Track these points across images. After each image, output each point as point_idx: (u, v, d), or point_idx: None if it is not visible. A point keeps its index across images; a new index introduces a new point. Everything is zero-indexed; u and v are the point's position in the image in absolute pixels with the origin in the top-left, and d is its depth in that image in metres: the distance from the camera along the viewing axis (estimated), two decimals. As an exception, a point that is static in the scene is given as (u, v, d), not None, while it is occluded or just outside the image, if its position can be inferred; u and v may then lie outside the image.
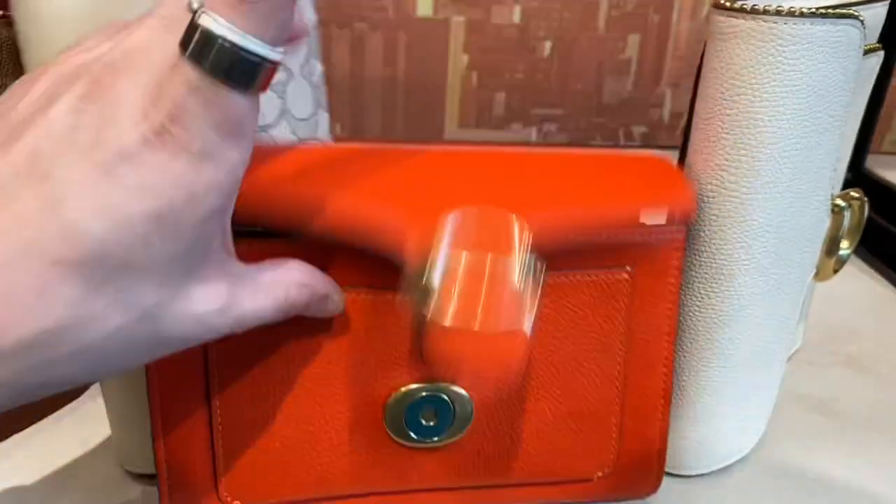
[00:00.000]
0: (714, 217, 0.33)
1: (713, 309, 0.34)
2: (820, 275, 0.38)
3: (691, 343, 0.35)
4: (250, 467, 0.31)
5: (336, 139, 0.80)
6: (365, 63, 0.80)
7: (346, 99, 0.81)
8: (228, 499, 0.31)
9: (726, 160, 0.32)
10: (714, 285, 0.33)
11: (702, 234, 0.33)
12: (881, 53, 0.38)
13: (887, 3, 0.38)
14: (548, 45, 0.81)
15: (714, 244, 0.33)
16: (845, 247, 0.38)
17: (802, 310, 0.42)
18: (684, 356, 0.35)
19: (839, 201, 0.36)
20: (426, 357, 0.29)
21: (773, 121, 0.31)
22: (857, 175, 0.67)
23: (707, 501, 0.36)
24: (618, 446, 0.34)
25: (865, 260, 0.61)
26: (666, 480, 0.37)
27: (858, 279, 0.59)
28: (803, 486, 0.37)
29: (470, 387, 0.31)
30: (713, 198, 0.32)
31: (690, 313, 0.34)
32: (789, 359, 0.44)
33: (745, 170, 0.31)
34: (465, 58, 0.80)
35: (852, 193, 0.38)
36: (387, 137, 0.83)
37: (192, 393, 0.30)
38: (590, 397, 0.33)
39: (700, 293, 0.34)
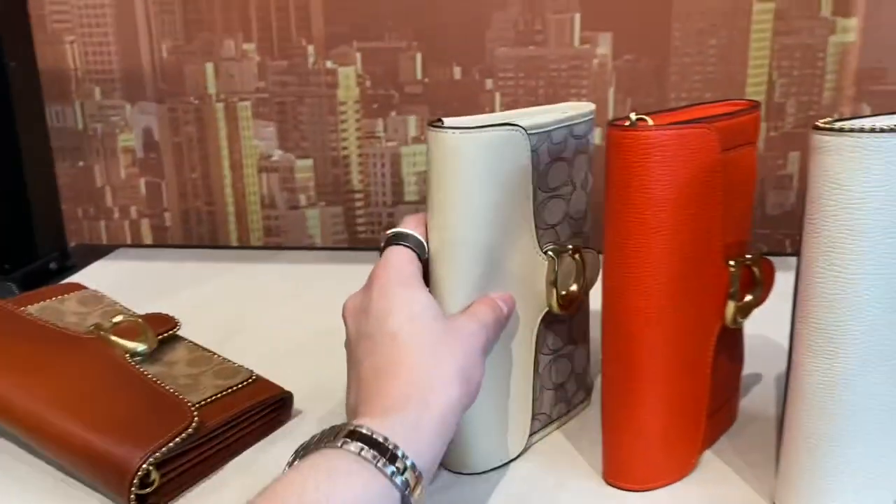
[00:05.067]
0: (824, 292, 0.40)
1: (826, 373, 0.41)
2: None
3: (812, 398, 0.42)
4: None
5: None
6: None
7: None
8: None
9: (831, 245, 0.40)
10: (828, 352, 0.41)
11: (812, 306, 0.41)
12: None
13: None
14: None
15: (825, 317, 0.40)
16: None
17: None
18: (806, 411, 0.42)
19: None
20: None
21: (863, 211, 0.39)
22: None
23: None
24: None
25: None
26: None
27: None
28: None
29: None
30: (823, 276, 0.40)
31: (807, 373, 0.42)
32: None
33: (848, 251, 0.39)
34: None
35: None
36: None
37: None
38: None
39: (813, 355, 0.41)
